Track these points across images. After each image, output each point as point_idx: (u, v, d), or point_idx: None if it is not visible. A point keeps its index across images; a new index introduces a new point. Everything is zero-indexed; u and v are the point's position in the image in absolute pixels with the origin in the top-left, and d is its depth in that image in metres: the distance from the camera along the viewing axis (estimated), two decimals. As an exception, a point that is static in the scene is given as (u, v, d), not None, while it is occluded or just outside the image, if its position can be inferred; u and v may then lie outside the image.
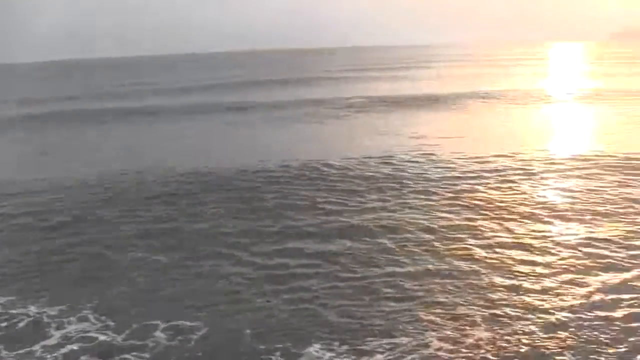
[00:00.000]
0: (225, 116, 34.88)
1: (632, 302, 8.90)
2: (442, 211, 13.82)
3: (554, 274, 10.05)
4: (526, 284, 9.72)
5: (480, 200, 14.59)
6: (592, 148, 20.51)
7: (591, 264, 10.38)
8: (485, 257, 10.95)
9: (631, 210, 13.29)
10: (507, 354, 7.70)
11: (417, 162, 18.93)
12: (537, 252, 11.05)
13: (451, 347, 7.90)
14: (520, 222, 12.84)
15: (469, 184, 16.10)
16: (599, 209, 13.47)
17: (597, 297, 9.10)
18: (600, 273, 10.00)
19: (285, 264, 11.30)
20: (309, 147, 23.26)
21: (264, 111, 36.12)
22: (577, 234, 11.90)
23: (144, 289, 10.40)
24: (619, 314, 8.57)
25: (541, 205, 13.91)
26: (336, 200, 15.16)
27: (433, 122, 28.72)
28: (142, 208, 15.15)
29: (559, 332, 8.15)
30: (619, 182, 15.69)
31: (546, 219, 12.93)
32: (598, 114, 30.24)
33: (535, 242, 11.57)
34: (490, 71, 70.55)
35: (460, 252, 11.26)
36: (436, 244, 11.80)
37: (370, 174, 17.63)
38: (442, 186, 15.93)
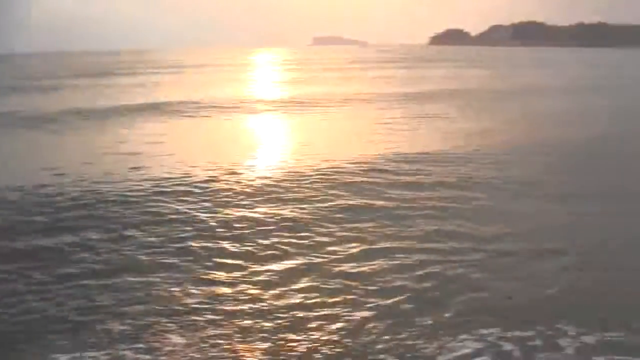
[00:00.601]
0: None
1: (326, 288, 9.25)
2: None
3: (250, 263, 10.14)
4: (218, 275, 9.72)
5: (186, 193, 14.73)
6: (293, 150, 21.42)
7: (290, 251, 10.77)
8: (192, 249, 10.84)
9: (330, 196, 14.37)
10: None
11: (114, 172, 17.20)
12: (230, 239, 11.27)
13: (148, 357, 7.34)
14: (229, 212, 13.07)
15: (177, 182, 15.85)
16: (299, 196, 14.41)
17: (282, 286, 9.30)
18: (284, 260, 10.36)
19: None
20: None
21: None
22: (277, 219, 12.51)
23: None
24: (305, 300, 8.83)
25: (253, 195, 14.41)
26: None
27: (133, 132, 26.24)
28: None
29: (243, 321, 8.16)
30: (320, 172, 16.94)
31: (256, 205, 13.49)
32: (299, 120, 31.70)
33: (231, 231, 11.77)
34: (189, 79, 67.11)
35: (176, 246, 10.99)
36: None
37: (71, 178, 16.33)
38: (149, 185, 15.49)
